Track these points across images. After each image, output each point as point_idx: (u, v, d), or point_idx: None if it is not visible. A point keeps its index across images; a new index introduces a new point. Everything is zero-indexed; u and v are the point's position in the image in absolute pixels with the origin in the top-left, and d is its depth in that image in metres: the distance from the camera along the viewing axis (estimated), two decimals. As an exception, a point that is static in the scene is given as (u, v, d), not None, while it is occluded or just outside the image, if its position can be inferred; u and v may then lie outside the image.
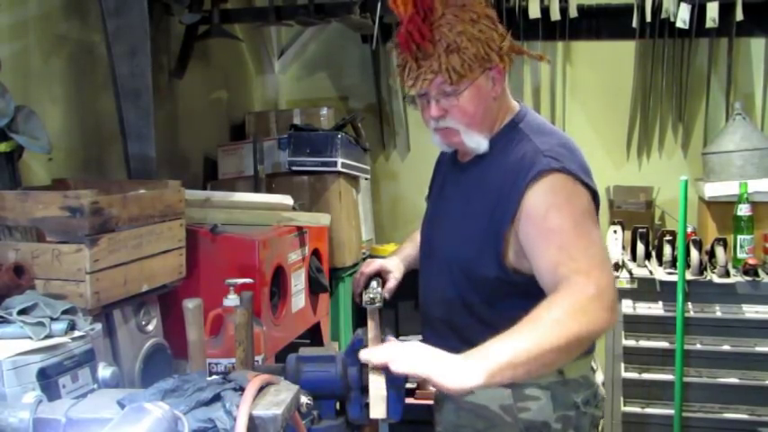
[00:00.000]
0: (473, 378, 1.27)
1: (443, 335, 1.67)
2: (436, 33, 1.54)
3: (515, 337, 1.32)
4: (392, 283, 1.95)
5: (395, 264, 2.00)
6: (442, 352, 1.34)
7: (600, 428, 1.72)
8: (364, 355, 1.38)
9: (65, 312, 1.43)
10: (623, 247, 3.30)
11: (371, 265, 1.96)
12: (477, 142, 1.63)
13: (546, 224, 1.47)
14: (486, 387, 1.30)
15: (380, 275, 1.97)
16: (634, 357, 3.14)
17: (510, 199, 1.53)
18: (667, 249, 3.15)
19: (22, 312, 1.40)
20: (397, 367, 1.31)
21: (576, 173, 1.52)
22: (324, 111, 3.42)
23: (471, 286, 1.61)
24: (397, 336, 1.76)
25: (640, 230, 3.27)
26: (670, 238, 3.18)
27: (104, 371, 1.44)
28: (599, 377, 1.77)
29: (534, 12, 3.60)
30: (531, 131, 1.62)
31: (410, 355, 1.33)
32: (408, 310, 2.98)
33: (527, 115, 1.69)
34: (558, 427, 1.60)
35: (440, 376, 1.29)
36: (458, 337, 1.60)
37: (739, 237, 3.17)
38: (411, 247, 2.01)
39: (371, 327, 1.65)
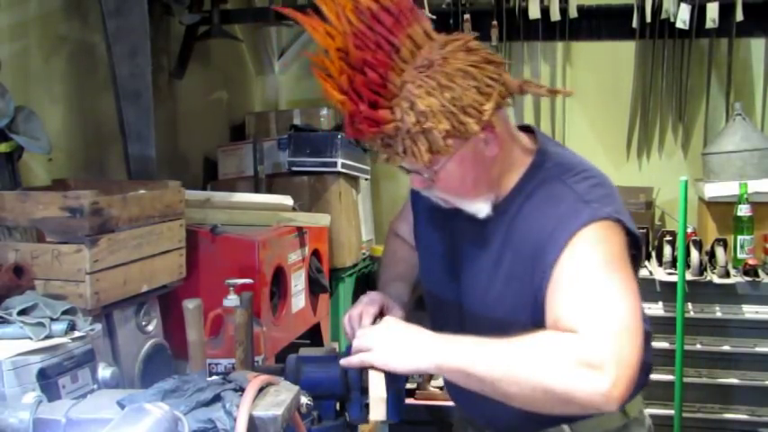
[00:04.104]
0: (422, 363, 1.32)
1: None
2: (396, 110, 1.25)
3: (486, 350, 1.25)
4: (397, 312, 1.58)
5: (397, 292, 1.65)
6: (404, 332, 1.36)
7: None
8: (344, 362, 1.40)
9: (65, 313, 1.43)
10: (623, 248, 3.30)
11: (373, 304, 1.55)
12: (477, 209, 1.39)
13: (573, 282, 1.28)
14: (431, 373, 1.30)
15: (382, 312, 1.57)
16: (634, 358, 3.14)
17: (549, 253, 1.30)
18: (667, 250, 3.15)
19: (21, 313, 1.40)
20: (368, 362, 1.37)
21: (621, 219, 1.35)
22: (324, 111, 3.42)
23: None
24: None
25: (640, 231, 3.26)
26: (670, 238, 3.18)
27: (104, 371, 1.44)
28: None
29: (534, 12, 3.60)
30: (561, 171, 1.38)
31: (374, 346, 1.37)
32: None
33: (547, 151, 1.43)
34: None
35: (388, 361, 1.34)
36: None
37: (739, 237, 3.17)
38: (403, 271, 1.71)
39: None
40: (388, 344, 1.35)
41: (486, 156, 1.34)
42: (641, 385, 1.48)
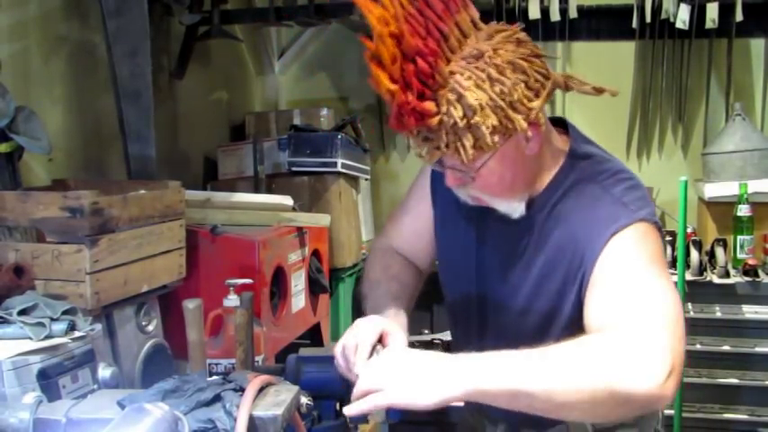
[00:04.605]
0: (454, 391, 1.14)
1: None
2: (441, 103, 1.17)
3: (533, 361, 1.11)
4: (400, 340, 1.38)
5: (393, 313, 1.46)
6: (422, 360, 1.18)
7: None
8: (347, 411, 1.21)
9: (65, 313, 1.43)
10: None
11: (371, 331, 1.34)
12: (512, 209, 1.33)
13: (617, 280, 1.23)
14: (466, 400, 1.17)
15: (381, 340, 1.37)
16: (634, 358, 3.14)
17: (588, 255, 1.27)
18: (667, 250, 3.15)
19: (22, 313, 1.40)
20: (381, 403, 1.18)
21: (655, 220, 1.31)
22: (324, 111, 3.42)
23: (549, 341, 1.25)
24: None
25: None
26: (670, 238, 3.18)
27: (104, 371, 1.44)
28: None
29: (534, 12, 3.60)
30: (596, 172, 1.37)
31: (387, 385, 1.17)
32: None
33: (580, 149, 1.42)
34: None
35: (407, 398, 1.15)
36: None
37: (739, 237, 3.17)
38: (396, 291, 1.53)
39: None
40: (405, 378, 1.16)
41: (525, 154, 1.28)
42: None
